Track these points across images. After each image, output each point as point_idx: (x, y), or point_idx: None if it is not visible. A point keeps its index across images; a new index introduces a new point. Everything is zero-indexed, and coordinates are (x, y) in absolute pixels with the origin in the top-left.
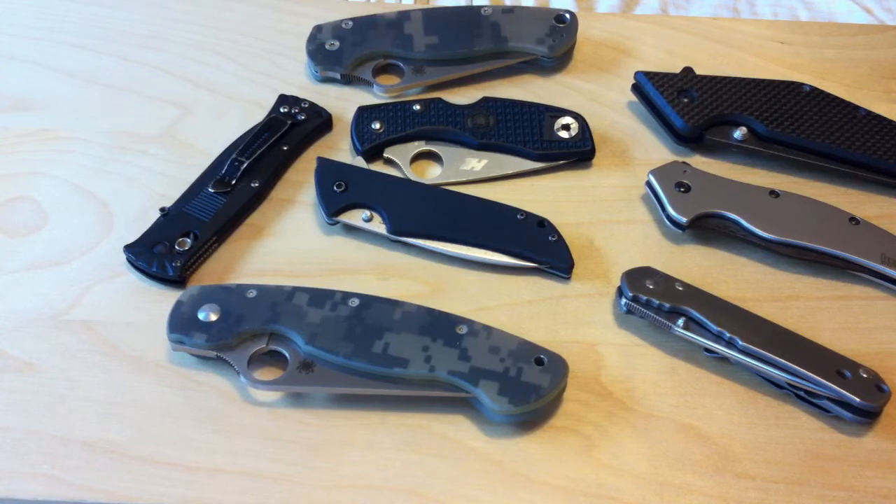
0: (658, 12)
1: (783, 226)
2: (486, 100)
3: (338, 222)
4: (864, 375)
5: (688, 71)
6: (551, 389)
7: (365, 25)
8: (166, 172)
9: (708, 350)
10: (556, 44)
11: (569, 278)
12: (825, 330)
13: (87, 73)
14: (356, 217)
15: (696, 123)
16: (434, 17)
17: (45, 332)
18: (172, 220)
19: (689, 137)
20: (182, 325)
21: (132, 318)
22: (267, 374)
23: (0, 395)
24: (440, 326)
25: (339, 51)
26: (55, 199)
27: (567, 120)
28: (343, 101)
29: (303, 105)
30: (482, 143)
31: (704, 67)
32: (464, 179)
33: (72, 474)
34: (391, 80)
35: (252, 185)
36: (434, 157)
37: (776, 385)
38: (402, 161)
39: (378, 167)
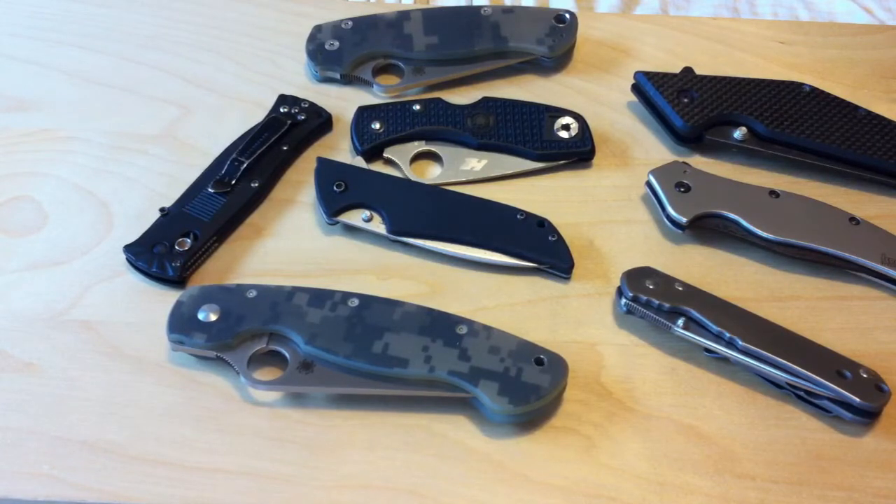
0: (658, 12)
1: (783, 226)
2: (486, 100)
3: (338, 222)
4: (864, 375)
5: (688, 71)
6: (551, 389)
7: (365, 25)
8: (166, 172)
9: (708, 350)
10: (556, 44)
11: (569, 278)
12: (825, 330)
13: (87, 73)
14: (356, 217)
15: (696, 123)
16: (434, 17)
17: (45, 332)
18: (172, 220)
19: (689, 137)
20: (182, 325)
21: (132, 318)
22: (267, 374)
23: (0, 395)
24: (440, 326)
25: (338, 51)
26: (55, 199)
27: (567, 120)
28: (343, 101)
29: (303, 105)
30: (482, 143)
31: (704, 67)
32: (464, 179)
33: (72, 474)
34: (391, 80)
35: (252, 185)
36: (434, 157)
37: (776, 385)
38: (402, 161)
39: (378, 167)
